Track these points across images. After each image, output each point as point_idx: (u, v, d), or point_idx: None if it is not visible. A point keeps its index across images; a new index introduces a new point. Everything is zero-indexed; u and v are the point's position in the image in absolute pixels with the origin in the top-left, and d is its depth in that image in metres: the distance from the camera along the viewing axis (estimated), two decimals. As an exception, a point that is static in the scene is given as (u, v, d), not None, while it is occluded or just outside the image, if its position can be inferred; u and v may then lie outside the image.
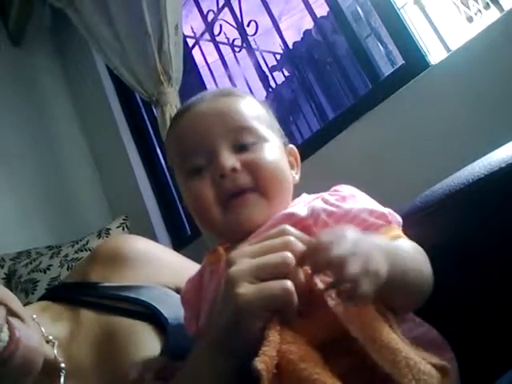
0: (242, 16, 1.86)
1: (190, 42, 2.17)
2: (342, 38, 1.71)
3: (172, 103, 1.70)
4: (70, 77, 2.40)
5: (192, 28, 2.31)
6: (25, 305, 0.62)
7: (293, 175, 0.58)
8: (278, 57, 4.19)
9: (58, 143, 2.25)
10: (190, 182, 0.54)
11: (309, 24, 3.95)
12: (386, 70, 1.53)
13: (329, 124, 1.58)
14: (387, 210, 0.48)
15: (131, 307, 0.66)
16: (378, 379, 0.35)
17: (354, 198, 0.49)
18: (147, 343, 0.61)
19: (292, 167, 0.59)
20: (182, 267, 0.75)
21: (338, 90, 3.83)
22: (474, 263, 0.38)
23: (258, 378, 0.35)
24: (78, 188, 2.20)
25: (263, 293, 0.40)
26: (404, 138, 1.26)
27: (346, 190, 0.51)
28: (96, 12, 1.87)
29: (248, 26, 1.85)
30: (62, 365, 0.60)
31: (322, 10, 2.39)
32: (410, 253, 0.44)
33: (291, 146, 0.61)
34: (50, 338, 0.62)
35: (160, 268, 0.75)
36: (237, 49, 2.08)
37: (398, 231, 0.47)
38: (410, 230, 0.50)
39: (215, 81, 2.19)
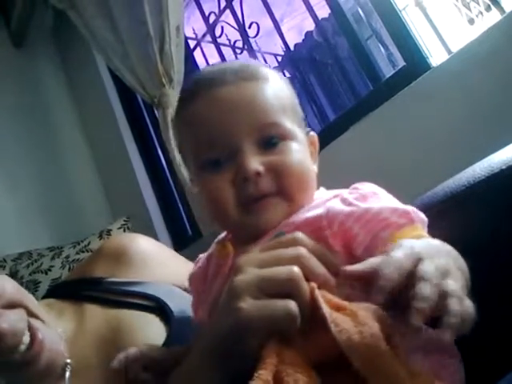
0: (243, 18, 1.87)
1: (192, 43, 2.17)
2: (343, 40, 1.72)
3: (173, 105, 1.70)
4: (71, 78, 2.41)
5: (193, 29, 2.32)
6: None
7: (315, 170, 0.54)
8: (280, 58, 4.20)
9: (60, 145, 2.26)
10: (206, 175, 0.50)
11: (310, 26, 3.96)
12: (387, 71, 1.54)
13: (330, 125, 1.58)
14: (411, 208, 0.44)
15: (138, 301, 0.66)
16: None
17: (375, 196, 0.46)
18: (154, 336, 0.61)
19: (312, 158, 0.55)
20: (186, 268, 0.76)
21: (339, 91, 3.83)
22: (476, 265, 0.38)
23: None
24: (80, 189, 2.20)
25: (265, 312, 0.38)
26: (405, 139, 1.26)
27: (366, 187, 0.48)
28: (98, 14, 1.88)
29: (249, 27, 1.85)
30: (68, 360, 0.60)
31: (323, 11, 2.39)
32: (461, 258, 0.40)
33: (311, 133, 0.57)
34: (62, 334, 0.62)
35: (164, 267, 0.75)
36: (238, 50, 2.08)
37: (422, 231, 0.44)
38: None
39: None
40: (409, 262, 0.35)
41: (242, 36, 1.89)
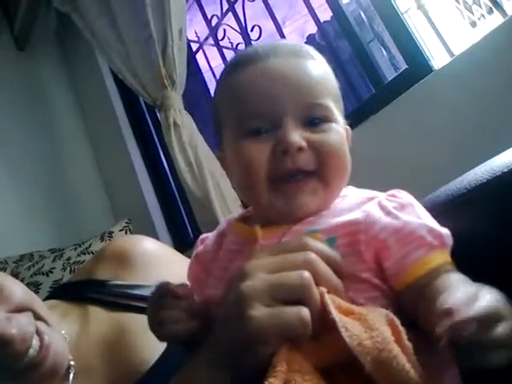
0: (245, 21, 1.87)
1: (194, 46, 2.17)
2: (345, 43, 1.71)
3: (175, 107, 1.71)
4: (74, 81, 2.41)
5: (196, 32, 2.32)
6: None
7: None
8: (282, 61, 4.18)
9: (62, 147, 2.26)
10: (245, 142, 0.48)
11: (312, 29, 3.95)
12: (389, 74, 1.53)
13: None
14: (445, 231, 0.43)
15: (142, 304, 0.65)
16: None
17: (412, 208, 0.45)
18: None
19: None
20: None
21: (341, 94, 3.82)
22: (477, 269, 0.38)
23: None
24: (81, 191, 2.20)
25: (278, 320, 0.37)
26: (407, 142, 1.26)
27: (404, 196, 0.47)
28: (101, 16, 1.89)
29: (252, 30, 1.85)
30: (72, 362, 0.60)
31: (325, 14, 2.39)
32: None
33: (347, 127, 0.55)
34: (66, 336, 0.62)
35: (169, 269, 0.74)
36: (240, 53, 2.08)
37: (448, 257, 0.43)
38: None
39: (219, 85, 2.19)
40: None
41: (244, 39, 1.89)
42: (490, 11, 1.52)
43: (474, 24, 1.64)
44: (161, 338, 0.50)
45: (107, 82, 2.22)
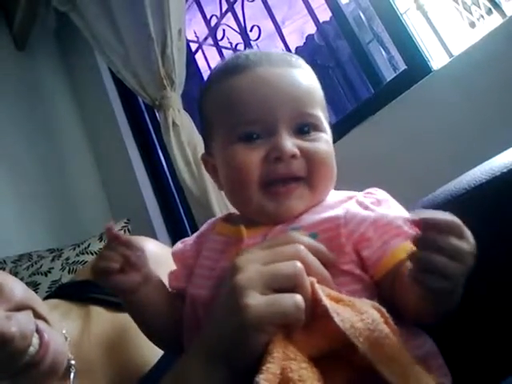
0: (244, 21, 1.87)
1: (193, 46, 2.17)
2: (344, 43, 1.72)
3: (174, 107, 1.71)
4: (73, 80, 2.41)
5: (195, 32, 2.32)
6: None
7: None
8: (281, 61, 4.18)
9: (61, 146, 2.26)
10: (237, 146, 0.49)
11: (311, 29, 3.95)
12: (389, 75, 1.53)
13: (331, 128, 1.58)
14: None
15: None
16: None
17: (388, 203, 0.48)
18: None
19: None
20: None
21: (340, 94, 3.82)
22: (475, 268, 0.38)
23: None
24: (80, 191, 2.20)
25: (275, 307, 0.38)
26: (406, 143, 1.26)
27: (379, 193, 0.50)
28: (100, 16, 1.88)
29: (251, 30, 1.86)
30: (73, 362, 0.60)
31: (324, 15, 2.39)
32: None
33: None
34: (66, 335, 0.62)
35: (169, 271, 0.75)
36: (239, 53, 2.08)
37: None
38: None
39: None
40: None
41: (243, 39, 1.89)
42: (489, 12, 1.52)
43: (472, 25, 1.65)
44: (93, 268, 0.51)
45: (106, 81, 2.22)
